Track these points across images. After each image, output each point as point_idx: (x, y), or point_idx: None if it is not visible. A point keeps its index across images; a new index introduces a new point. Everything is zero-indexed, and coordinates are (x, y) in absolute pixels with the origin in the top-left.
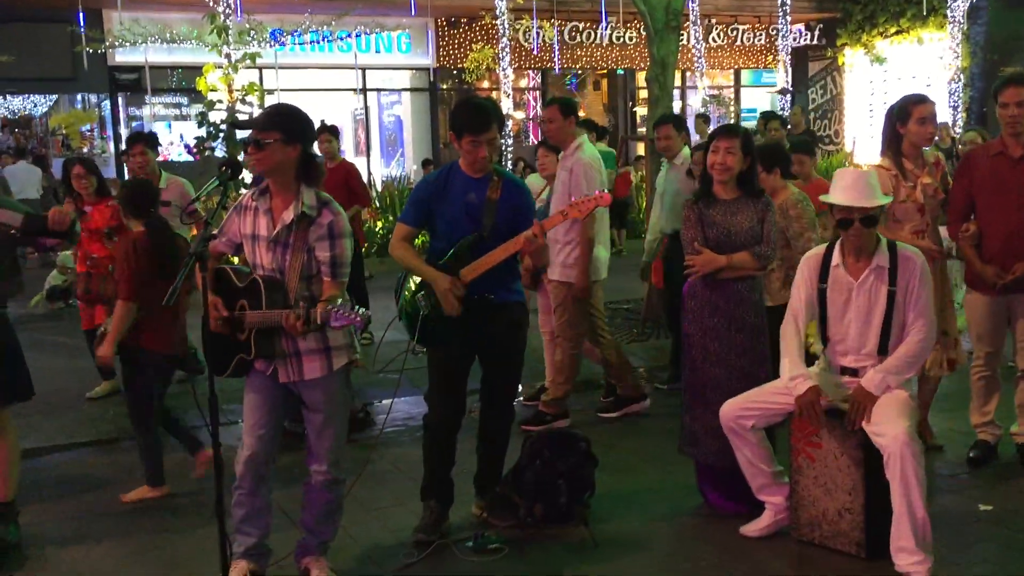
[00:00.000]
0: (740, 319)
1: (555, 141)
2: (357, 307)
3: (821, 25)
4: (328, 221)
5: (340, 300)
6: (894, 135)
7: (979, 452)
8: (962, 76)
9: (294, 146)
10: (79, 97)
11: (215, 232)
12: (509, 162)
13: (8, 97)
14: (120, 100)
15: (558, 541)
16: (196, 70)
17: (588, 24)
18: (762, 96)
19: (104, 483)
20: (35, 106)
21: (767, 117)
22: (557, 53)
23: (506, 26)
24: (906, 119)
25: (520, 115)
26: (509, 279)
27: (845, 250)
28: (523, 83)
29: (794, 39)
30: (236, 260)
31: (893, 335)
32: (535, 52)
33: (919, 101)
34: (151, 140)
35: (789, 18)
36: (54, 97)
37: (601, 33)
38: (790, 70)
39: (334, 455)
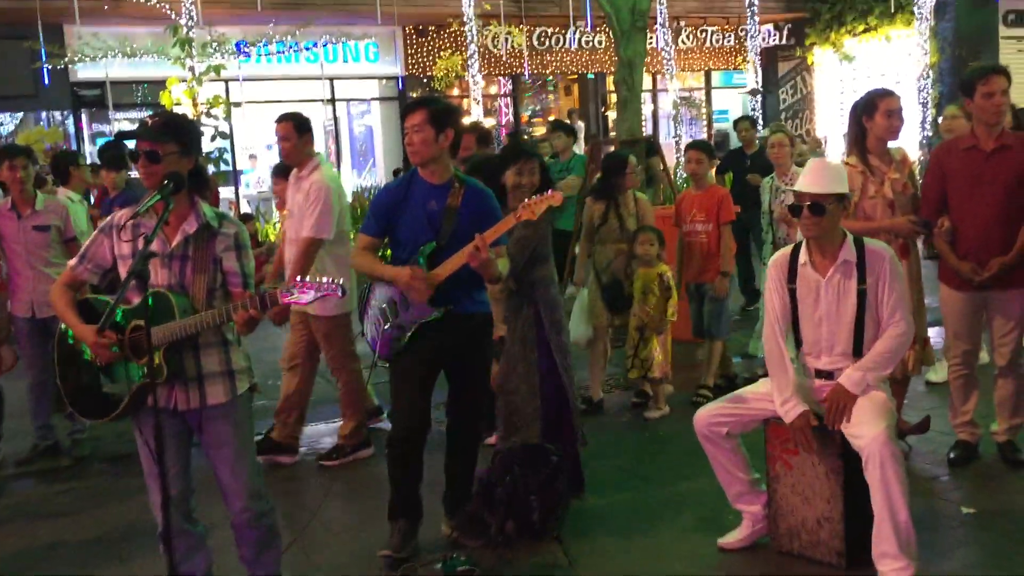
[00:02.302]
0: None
1: (290, 161)
2: (322, 279)
3: (790, 25)
4: (233, 232)
5: (298, 276)
6: (859, 131)
7: (960, 452)
8: (931, 72)
9: (190, 158)
10: (44, 115)
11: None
12: None
13: None
14: (84, 116)
15: (530, 559)
16: (161, 84)
17: (557, 29)
18: (734, 97)
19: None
20: (1, 124)
21: (738, 120)
22: (526, 59)
23: (474, 32)
24: (872, 112)
25: (491, 122)
26: (473, 289)
27: (811, 247)
28: (493, 89)
29: (763, 39)
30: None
31: (867, 334)
32: (504, 58)
33: (886, 95)
34: (30, 154)
35: (758, 19)
36: (19, 115)
37: (570, 38)
38: (760, 70)
39: (253, 487)
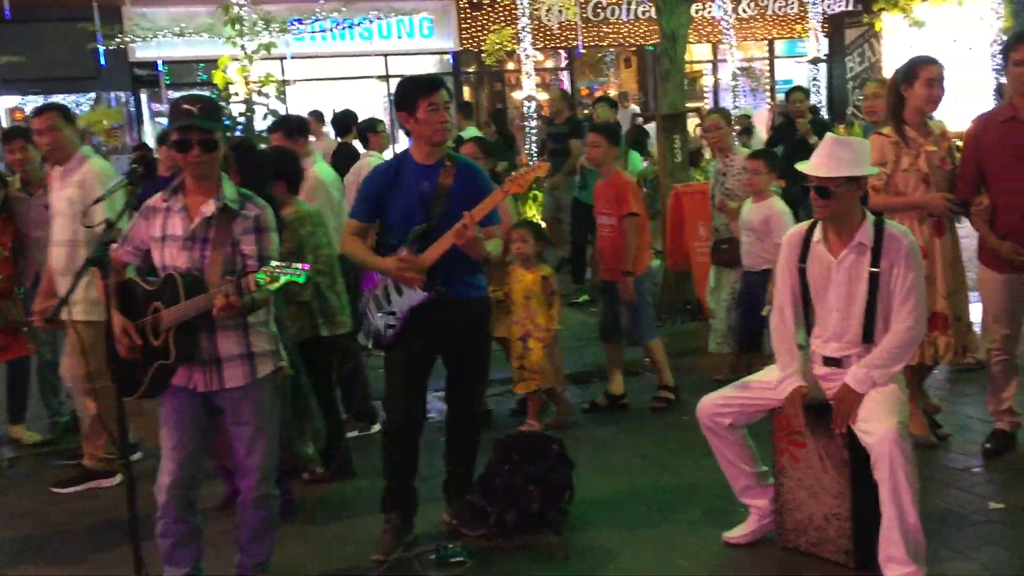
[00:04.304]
0: None
1: (56, 159)
2: (295, 262)
3: None
4: (255, 214)
5: (273, 262)
6: (898, 99)
7: (996, 443)
8: (1004, 37)
9: (224, 138)
10: (111, 95)
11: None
12: (534, 145)
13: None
14: (144, 96)
15: (528, 551)
16: (215, 64)
17: (612, 0)
18: (799, 67)
19: None
20: (77, 105)
21: (791, 90)
22: (580, 31)
23: (525, 4)
24: (912, 80)
25: (544, 96)
26: (466, 272)
27: (826, 226)
28: (550, 64)
29: (828, 5)
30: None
31: (878, 321)
32: (557, 31)
33: (927, 62)
34: (27, 135)
35: None
36: (92, 95)
37: (624, 8)
38: (823, 39)
39: (265, 469)
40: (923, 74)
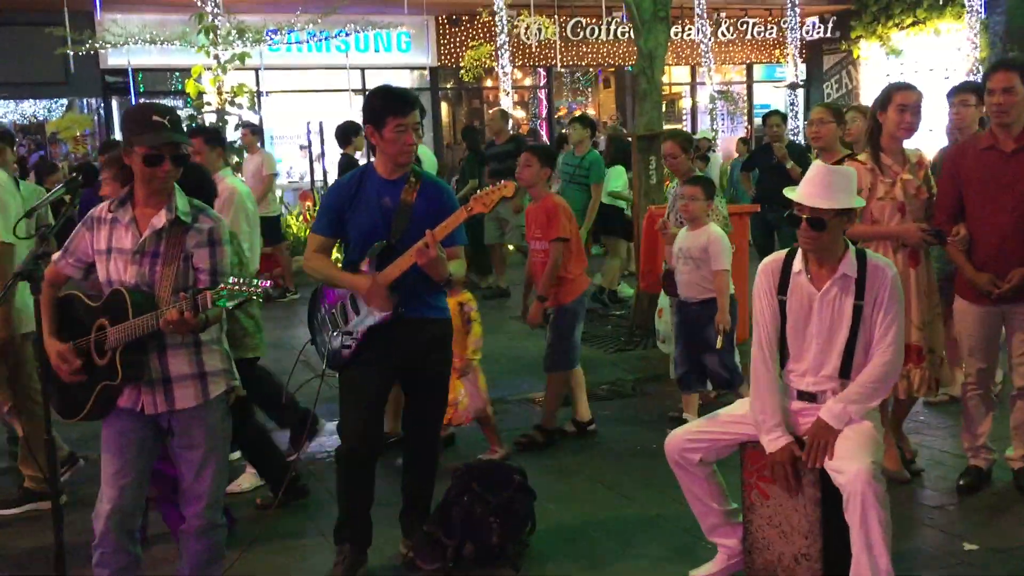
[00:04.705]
0: None
1: None
2: (253, 279)
3: (835, 17)
4: (208, 227)
5: (231, 278)
6: (874, 125)
7: (970, 479)
8: (981, 68)
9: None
10: (82, 102)
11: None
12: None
13: (16, 103)
14: (114, 103)
15: None
16: (188, 72)
17: (592, 19)
18: (777, 92)
19: None
20: (48, 111)
21: (768, 114)
22: (559, 50)
23: (504, 22)
24: (886, 106)
25: (521, 114)
26: (428, 292)
27: (808, 256)
28: (528, 82)
29: (807, 32)
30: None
31: (857, 355)
32: (536, 49)
33: (902, 88)
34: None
35: (799, 10)
36: (63, 102)
37: (604, 29)
38: (800, 64)
39: (213, 496)
40: (897, 99)
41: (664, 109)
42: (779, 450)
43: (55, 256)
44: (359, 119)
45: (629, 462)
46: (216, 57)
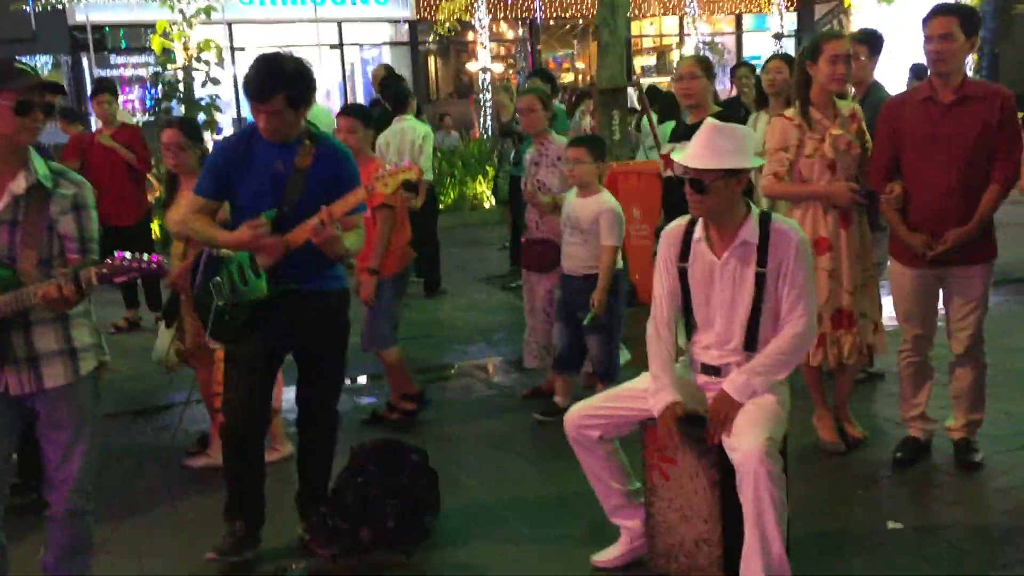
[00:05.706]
0: None
1: None
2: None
3: None
4: (73, 192)
5: (120, 253)
6: (804, 78)
7: (906, 451)
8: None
9: None
10: (51, 58)
11: None
12: (489, 118)
13: None
14: (84, 60)
15: (380, 572)
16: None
17: None
18: (767, 43)
19: None
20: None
21: (736, 66)
22: (539, 1)
23: None
24: (817, 57)
25: (499, 68)
26: (322, 264)
27: (706, 223)
28: (511, 35)
29: None
30: None
31: (763, 327)
32: (517, 0)
33: (832, 37)
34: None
35: None
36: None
37: None
38: (787, 14)
39: (81, 480)
40: (828, 50)
41: (656, 61)
42: (664, 408)
43: None
44: (337, 75)
45: (559, 438)
46: (181, 12)
